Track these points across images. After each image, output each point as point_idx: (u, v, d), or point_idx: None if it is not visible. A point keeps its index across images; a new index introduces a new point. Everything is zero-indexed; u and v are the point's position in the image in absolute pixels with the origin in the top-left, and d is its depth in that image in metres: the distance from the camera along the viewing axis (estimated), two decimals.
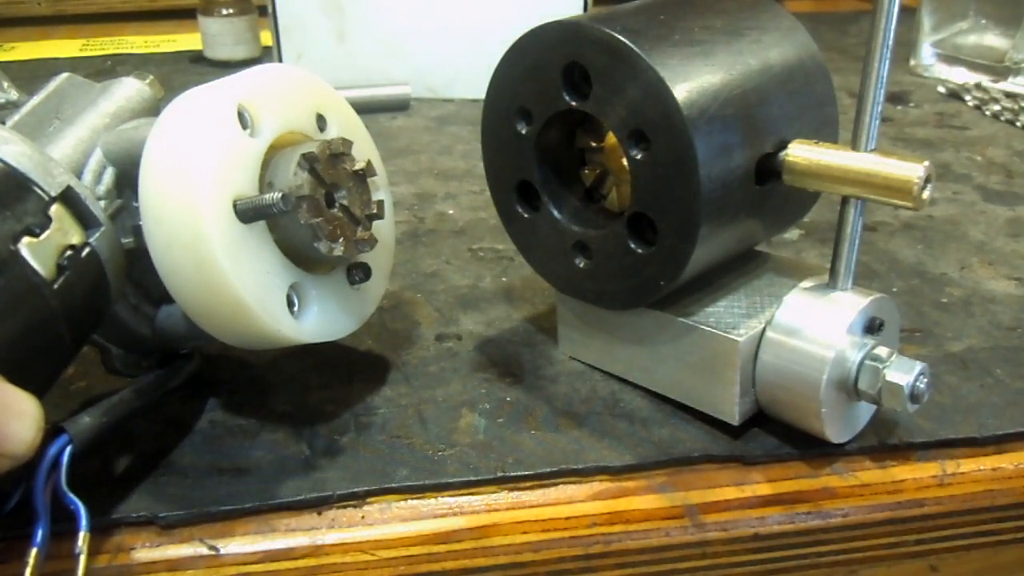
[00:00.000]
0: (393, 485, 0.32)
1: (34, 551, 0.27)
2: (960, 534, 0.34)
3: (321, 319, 0.34)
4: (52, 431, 0.29)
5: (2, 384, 0.26)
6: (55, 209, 0.29)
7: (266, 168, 0.32)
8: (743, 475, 0.34)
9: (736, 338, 0.33)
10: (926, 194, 0.30)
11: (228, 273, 0.30)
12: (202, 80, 0.33)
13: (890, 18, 0.29)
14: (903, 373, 0.32)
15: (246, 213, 0.30)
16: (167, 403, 0.36)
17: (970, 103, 0.76)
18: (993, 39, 0.81)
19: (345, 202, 0.33)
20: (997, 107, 0.74)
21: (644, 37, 0.31)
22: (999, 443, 0.35)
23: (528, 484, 0.33)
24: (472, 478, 0.33)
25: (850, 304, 0.32)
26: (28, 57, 0.90)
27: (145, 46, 0.92)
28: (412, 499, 0.32)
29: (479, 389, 0.38)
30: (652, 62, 0.30)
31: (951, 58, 0.82)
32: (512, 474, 0.33)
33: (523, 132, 0.35)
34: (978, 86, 0.77)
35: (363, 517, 0.32)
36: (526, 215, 0.37)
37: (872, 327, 0.33)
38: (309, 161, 0.31)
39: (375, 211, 0.34)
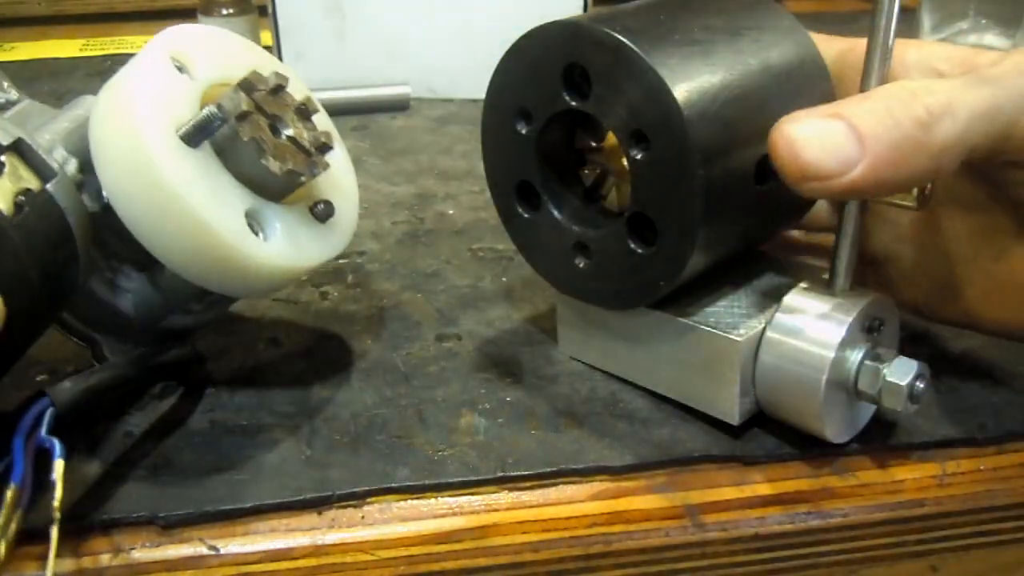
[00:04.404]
0: (393, 485, 0.32)
1: (13, 486, 0.27)
2: (960, 534, 0.34)
3: (288, 243, 0.34)
4: (33, 395, 0.29)
5: None
6: (7, 157, 0.30)
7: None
8: (743, 475, 0.34)
9: (736, 338, 0.33)
10: (927, 195, 0.30)
11: (178, 190, 0.30)
12: None
13: (890, 18, 0.29)
14: (902, 373, 0.32)
15: (188, 134, 0.31)
16: (154, 380, 0.37)
17: None
18: (993, 39, 0.81)
19: (291, 133, 0.34)
20: None
21: (644, 37, 0.31)
22: (999, 443, 0.35)
23: (528, 484, 0.33)
24: (472, 478, 0.33)
25: (850, 304, 0.32)
26: (28, 57, 0.89)
27: None
28: (412, 499, 0.32)
29: (479, 389, 0.38)
30: (652, 62, 0.30)
31: None
32: (512, 474, 0.33)
33: (523, 132, 0.35)
34: None
35: (363, 517, 0.32)
36: (526, 215, 0.37)
37: (872, 327, 0.33)
38: (245, 88, 0.33)
39: (324, 141, 0.35)
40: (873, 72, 0.30)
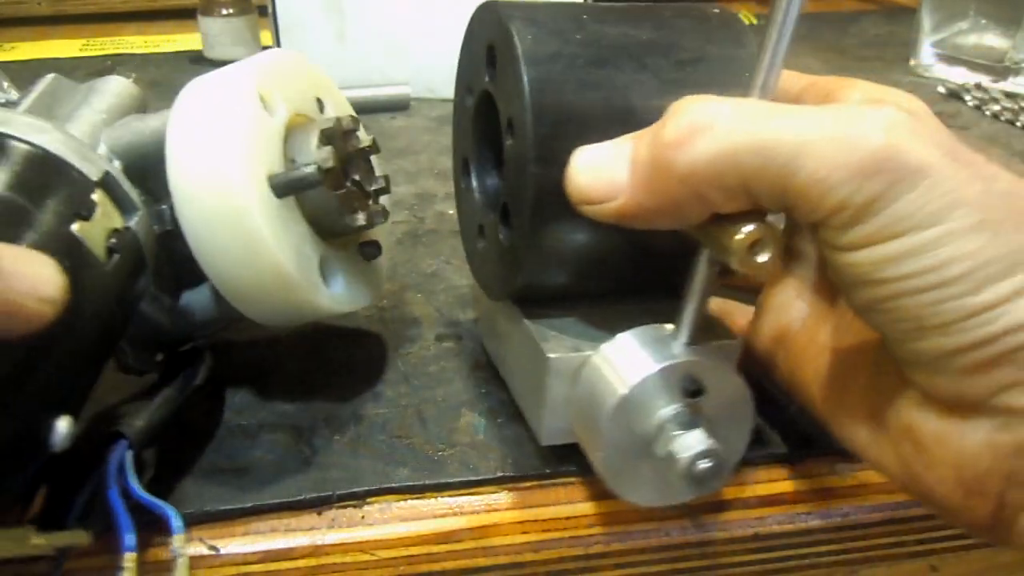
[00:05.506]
0: (393, 485, 0.32)
1: (134, 556, 0.27)
2: (960, 534, 0.34)
3: (348, 289, 0.35)
4: (109, 436, 0.29)
5: (7, 247, 0.25)
6: (97, 195, 0.29)
7: (284, 146, 0.33)
8: (743, 475, 0.34)
9: (549, 354, 0.31)
10: (761, 258, 0.25)
11: (271, 245, 0.30)
12: None
13: (782, 34, 0.25)
14: (687, 446, 0.28)
15: (279, 187, 0.31)
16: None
17: (970, 103, 0.76)
18: (993, 39, 0.81)
19: (357, 177, 0.34)
20: (997, 107, 0.74)
21: (538, 28, 0.29)
22: None
23: (528, 484, 0.33)
24: (472, 478, 0.33)
25: (669, 356, 0.29)
26: (28, 57, 0.90)
27: (145, 46, 0.92)
28: (412, 499, 0.32)
29: (479, 389, 0.38)
30: (523, 51, 0.29)
31: (951, 58, 0.82)
32: (512, 474, 0.33)
33: (468, 105, 0.35)
34: (978, 86, 0.77)
35: (363, 517, 0.32)
36: (463, 186, 0.37)
37: (693, 391, 0.29)
38: (328, 137, 0.33)
39: (383, 185, 0.35)
40: (755, 89, 0.26)
